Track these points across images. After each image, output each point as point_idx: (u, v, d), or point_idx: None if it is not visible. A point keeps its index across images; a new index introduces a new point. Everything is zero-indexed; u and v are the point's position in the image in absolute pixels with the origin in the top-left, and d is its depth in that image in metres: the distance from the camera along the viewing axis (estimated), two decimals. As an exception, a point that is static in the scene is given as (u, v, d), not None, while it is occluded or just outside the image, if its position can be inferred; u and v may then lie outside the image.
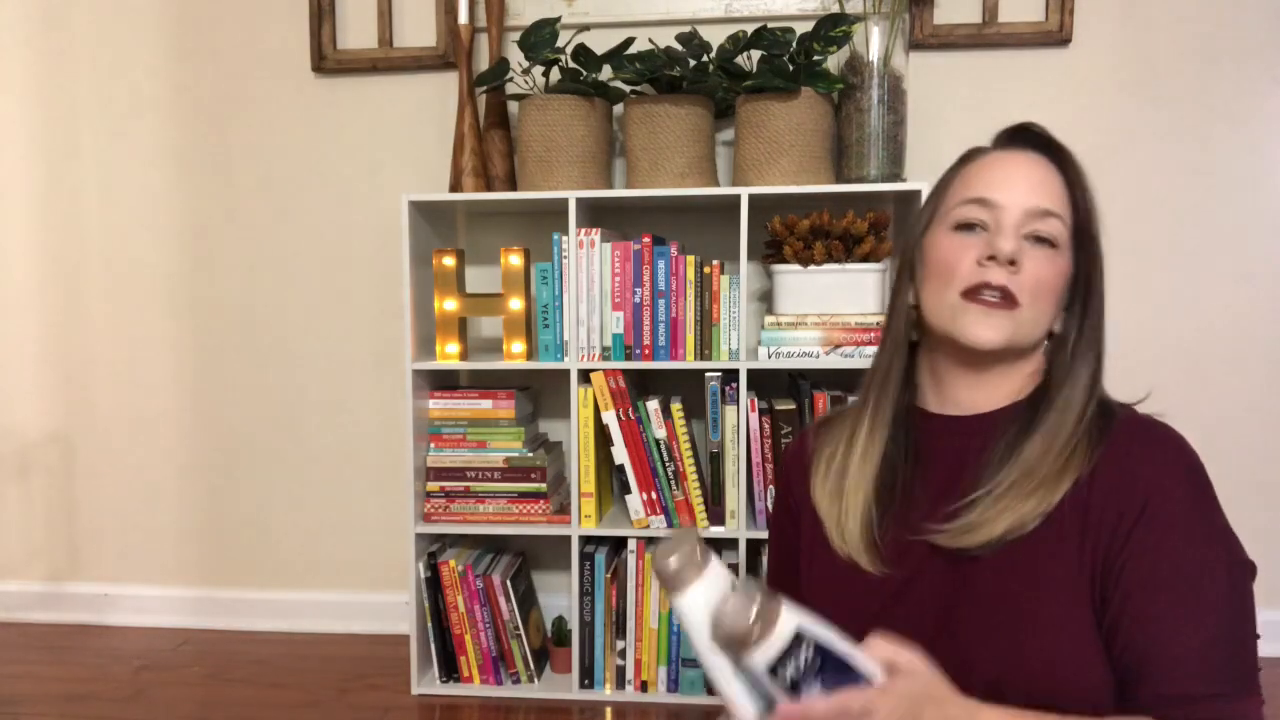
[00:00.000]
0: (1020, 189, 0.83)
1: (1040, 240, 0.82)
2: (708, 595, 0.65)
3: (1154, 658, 0.73)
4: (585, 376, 1.86)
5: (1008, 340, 0.82)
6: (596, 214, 2.04)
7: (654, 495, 1.85)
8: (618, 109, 2.01)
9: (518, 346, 1.90)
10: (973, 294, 0.82)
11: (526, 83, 1.96)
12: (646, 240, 1.83)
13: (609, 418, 1.84)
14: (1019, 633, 0.77)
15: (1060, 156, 0.85)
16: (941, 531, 0.81)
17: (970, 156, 0.90)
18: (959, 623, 0.80)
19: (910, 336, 0.91)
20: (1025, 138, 0.88)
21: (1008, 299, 0.81)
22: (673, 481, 1.84)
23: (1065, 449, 0.79)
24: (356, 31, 2.15)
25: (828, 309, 1.82)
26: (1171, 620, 0.73)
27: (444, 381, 2.04)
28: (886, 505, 0.87)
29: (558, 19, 1.87)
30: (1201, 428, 1.99)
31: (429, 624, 1.93)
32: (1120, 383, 0.92)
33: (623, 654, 1.90)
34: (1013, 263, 0.81)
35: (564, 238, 1.86)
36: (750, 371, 1.81)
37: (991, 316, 0.81)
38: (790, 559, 0.96)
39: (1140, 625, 0.74)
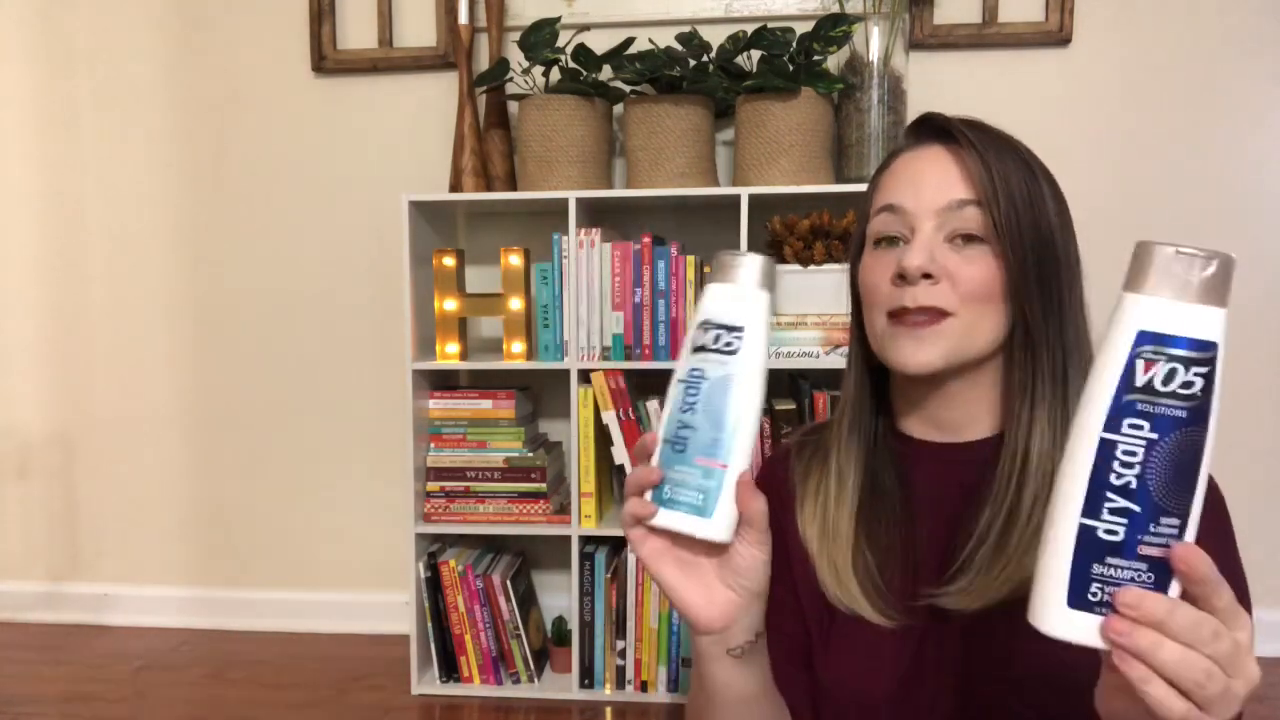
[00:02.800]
0: (926, 187, 0.75)
1: (967, 238, 0.74)
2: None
3: None
4: (585, 376, 1.86)
5: (945, 358, 0.74)
6: (596, 214, 2.04)
7: (654, 495, 1.84)
8: (618, 109, 2.01)
9: (518, 346, 1.90)
10: (897, 317, 0.75)
11: (526, 83, 1.95)
12: (646, 240, 1.83)
13: (609, 418, 1.84)
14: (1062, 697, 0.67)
15: (967, 139, 0.75)
16: (942, 595, 0.73)
17: (885, 162, 0.82)
18: (986, 688, 0.74)
19: (871, 362, 0.83)
20: (928, 130, 0.79)
21: (933, 313, 0.73)
22: (673, 481, 1.84)
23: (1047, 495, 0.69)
24: (356, 31, 2.15)
25: (828, 309, 1.81)
26: None
27: (444, 381, 2.04)
28: (875, 545, 0.79)
29: (558, 19, 1.87)
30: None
31: (429, 624, 1.93)
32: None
33: (623, 654, 1.90)
34: (928, 275, 0.73)
35: (564, 238, 1.85)
36: (750, 371, 1.81)
37: (920, 337, 0.74)
38: (784, 597, 0.84)
39: None
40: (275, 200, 2.22)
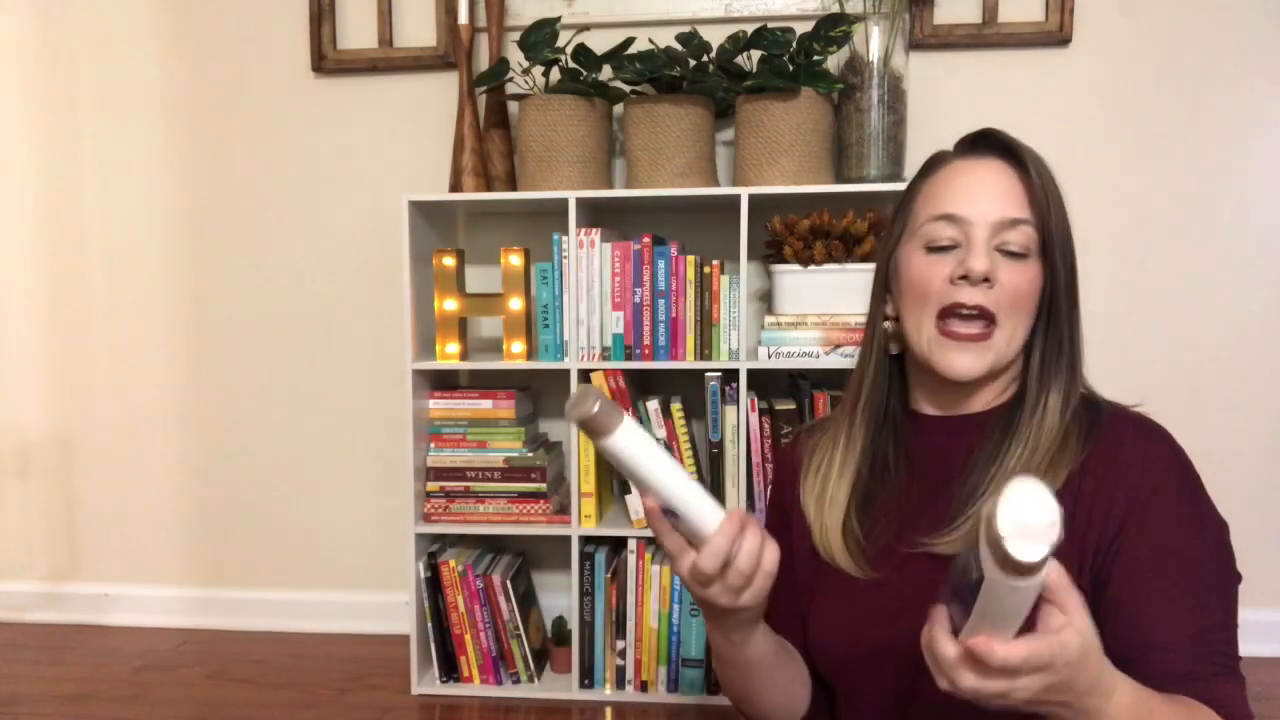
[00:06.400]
0: (987, 201, 0.82)
1: (1012, 253, 0.82)
2: (637, 430, 0.68)
3: (1152, 641, 0.74)
4: (585, 376, 1.86)
5: (989, 369, 0.84)
6: (596, 214, 2.04)
7: (654, 495, 1.85)
8: (618, 109, 2.01)
9: (518, 346, 1.90)
10: (948, 318, 0.83)
11: (526, 83, 1.96)
12: (646, 240, 1.83)
13: (609, 418, 1.84)
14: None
15: (1023, 160, 0.83)
16: (933, 542, 0.81)
17: (934, 165, 0.89)
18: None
19: (889, 349, 0.92)
20: (987, 143, 0.87)
21: (985, 318, 0.82)
22: (673, 481, 1.84)
23: (1048, 453, 0.81)
24: (356, 31, 2.15)
25: (828, 309, 1.81)
26: (1168, 605, 0.75)
27: (444, 381, 2.04)
28: (869, 509, 0.88)
29: (558, 19, 1.87)
30: (1200, 428, 1.99)
31: (429, 624, 1.93)
32: (1119, 385, 0.92)
33: (623, 654, 1.90)
34: (987, 280, 0.81)
35: (564, 238, 1.86)
36: (750, 371, 1.81)
37: (968, 349, 0.83)
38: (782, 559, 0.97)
39: (1137, 611, 0.75)
40: (275, 200, 2.22)
